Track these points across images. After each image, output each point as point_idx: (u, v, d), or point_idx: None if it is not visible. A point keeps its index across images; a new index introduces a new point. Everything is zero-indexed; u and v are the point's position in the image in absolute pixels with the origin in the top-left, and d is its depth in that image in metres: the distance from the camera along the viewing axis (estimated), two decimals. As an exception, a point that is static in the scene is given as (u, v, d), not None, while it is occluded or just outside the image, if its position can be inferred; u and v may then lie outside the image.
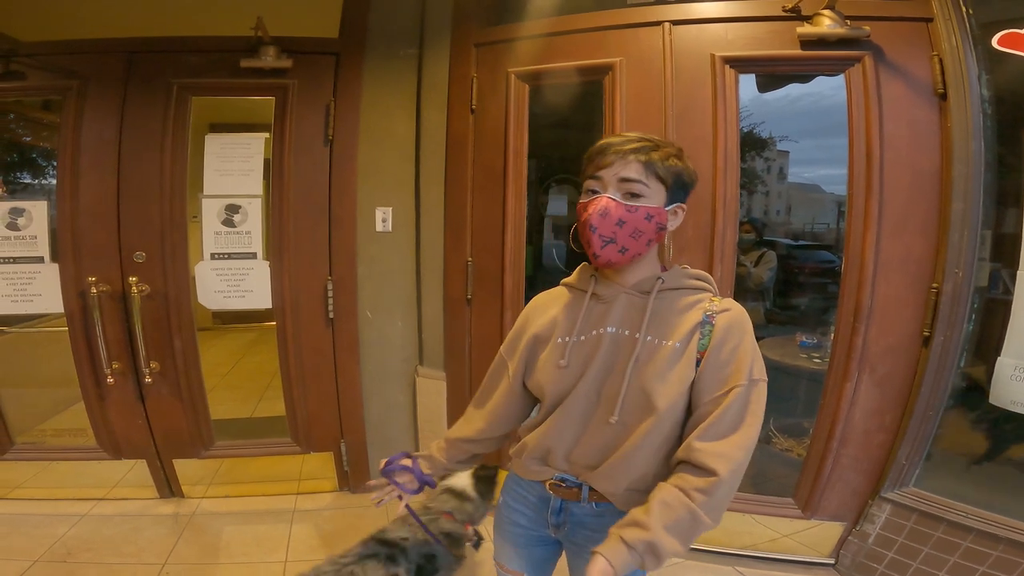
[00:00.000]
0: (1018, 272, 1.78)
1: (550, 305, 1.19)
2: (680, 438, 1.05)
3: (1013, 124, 1.84)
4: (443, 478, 1.82)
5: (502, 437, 1.29)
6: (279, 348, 2.54)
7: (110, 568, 2.11)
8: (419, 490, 1.30)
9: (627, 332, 1.07)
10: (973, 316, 1.94)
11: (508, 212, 2.34)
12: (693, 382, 1.02)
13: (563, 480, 1.14)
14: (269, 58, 2.31)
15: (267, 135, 2.45)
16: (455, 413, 2.59)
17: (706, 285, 1.10)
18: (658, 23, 2.12)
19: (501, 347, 1.26)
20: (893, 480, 2.04)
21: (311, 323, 2.53)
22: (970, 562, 1.84)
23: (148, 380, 2.39)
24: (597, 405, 1.09)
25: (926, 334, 1.95)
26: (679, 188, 1.06)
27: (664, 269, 1.13)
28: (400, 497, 1.31)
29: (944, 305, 1.90)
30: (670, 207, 1.06)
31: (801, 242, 5.04)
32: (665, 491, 0.98)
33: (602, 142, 1.07)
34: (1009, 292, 1.83)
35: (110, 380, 2.35)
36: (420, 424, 2.71)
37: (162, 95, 2.33)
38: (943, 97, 1.90)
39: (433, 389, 2.63)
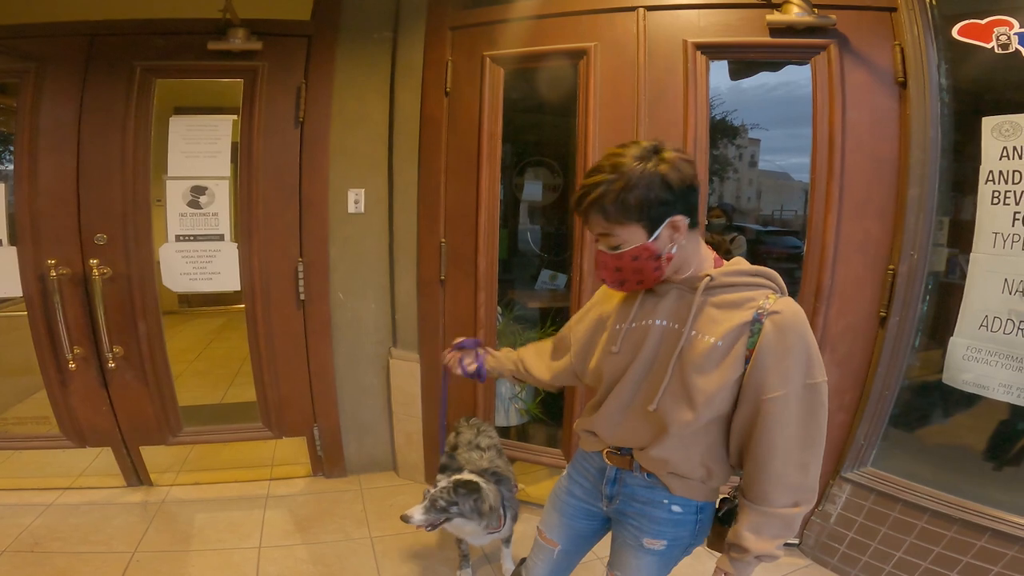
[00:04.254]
0: (971, 255, 1.85)
1: (615, 292, 1.22)
2: (726, 431, 1.09)
3: (971, 113, 1.89)
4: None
5: (555, 388, 1.51)
6: (248, 330, 2.51)
7: (79, 557, 2.08)
8: (472, 375, 1.51)
9: (675, 326, 1.09)
10: (927, 298, 2.01)
11: (482, 193, 2.35)
12: (741, 379, 1.03)
13: (618, 449, 1.20)
14: (238, 40, 2.27)
15: (235, 117, 2.41)
16: (429, 396, 2.61)
17: (765, 281, 1.07)
18: (632, 8, 2.13)
19: (570, 322, 1.36)
20: (852, 460, 2.11)
21: (281, 305, 2.51)
22: (925, 542, 1.90)
23: (111, 365, 2.34)
24: (639, 393, 1.13)
25: (883, 314, 2.01)
26: (657, 208, 1.00)
27: (720, 262, 1.12)
28: (449, 369, 1.55)
29: (900, 286, 1.96)
30: (658, 231, 1.02)
31: (770, 227, 5.17)
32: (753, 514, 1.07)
33: (575, 195, 1.07)
34: (965, 276, 1.89)
35: (72, 365, 2.29)
36: (394, 407, 2.71)
37: (124, 78, 2.27)
38: (903, 85, 1.95)
39: (407, 371, 2.63)
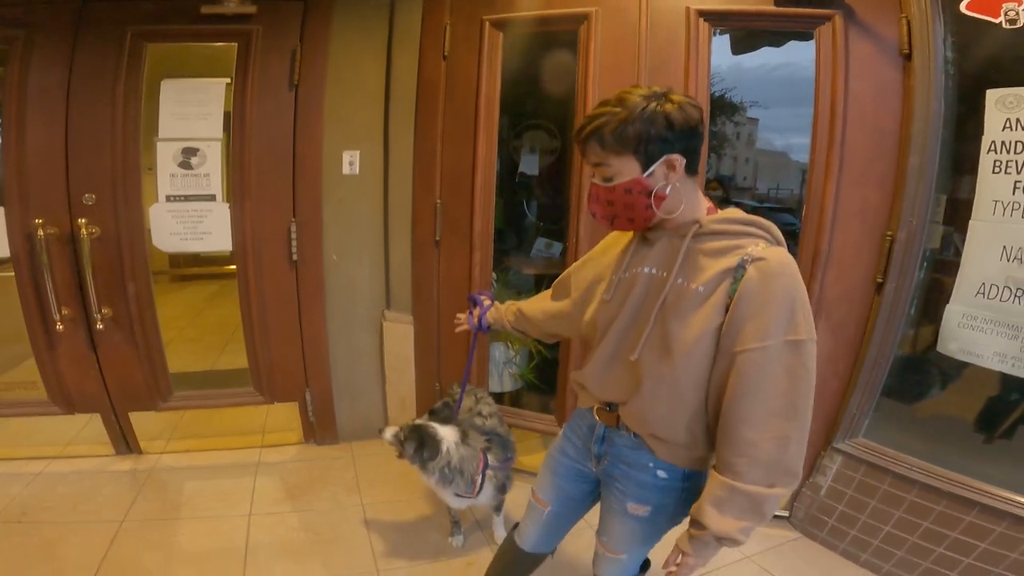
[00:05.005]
0: (970, 223, 1.84)
1: (619, 240, 1.22)
2: (707, 389, 1.05)
3: (975, 86, 1.87)
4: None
5: (552, 335, 1.49)
6: (240, 292, 2.48)
7: (68, 527, 2.06)
8: (477, 327, 1.58)
9: (663, 273, 1.07)
10: (924, 264, 2.00)
11: (479, 156, 2.33)
12: (720, 328, 0.99)
13: (607, 404, 1.18)
14: (232, 4, 2.23)
15: (228, 80, 2.36)
16: (423, 358, 2.60)
17: (755, 231, 1.04)
18: (636, -27, 2.10)
19: (573, 265, 1.35)
20: (844, 430, 2.11)
21: (273, 266, 2.47)
22: (914, 516, 1.90)
23: (100, 327, 2.30)
24: (624, 342, 1.11)
25: (879, 280, 2.00)
26: (654, 144, 0.99)
27: (714, 211, 1.09)
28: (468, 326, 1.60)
29: (897, 252, 1.95)
30: (653, 167, 1.00)
31: (766, 204, 5.24)
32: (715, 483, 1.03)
33: (578, 126, 1.06)
34: (959, 254, 1.88)
35: (59, 327, 2.25)
36: (388, 371, 2.69)
37: (114, 43, 2.23)
38: (908, 58, 1.92)
39: (401, 334, 2.62)
